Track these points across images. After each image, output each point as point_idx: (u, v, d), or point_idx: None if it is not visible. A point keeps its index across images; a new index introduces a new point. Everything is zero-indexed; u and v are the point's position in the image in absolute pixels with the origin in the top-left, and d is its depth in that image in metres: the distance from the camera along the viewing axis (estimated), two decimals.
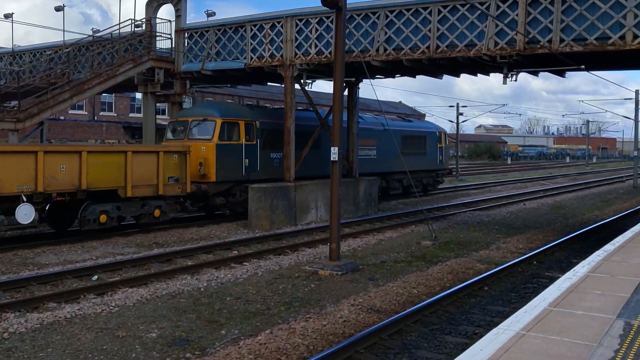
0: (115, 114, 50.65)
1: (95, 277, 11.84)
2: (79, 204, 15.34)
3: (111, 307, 9.69)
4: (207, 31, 21.54)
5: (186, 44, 22.24)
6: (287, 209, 19.05)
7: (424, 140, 30.66)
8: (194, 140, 19.29)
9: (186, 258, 13.76)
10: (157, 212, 16.92)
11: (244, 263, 13.38)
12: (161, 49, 23.07)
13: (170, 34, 22.63)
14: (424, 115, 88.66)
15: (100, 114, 49.53)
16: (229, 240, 16.04)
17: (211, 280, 11.64)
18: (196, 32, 21.94)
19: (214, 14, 24.58)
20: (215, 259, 13.65)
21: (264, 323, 9.03)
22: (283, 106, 20.56)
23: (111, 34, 23.72)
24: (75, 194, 14.99)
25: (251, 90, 54.03)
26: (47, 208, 14.70)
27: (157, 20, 23.06)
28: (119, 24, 23.76)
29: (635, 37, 13.97)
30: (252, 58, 20.27)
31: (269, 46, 19.89)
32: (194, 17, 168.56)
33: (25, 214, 13.81)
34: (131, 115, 51.44)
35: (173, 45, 22.56)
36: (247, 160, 19.98)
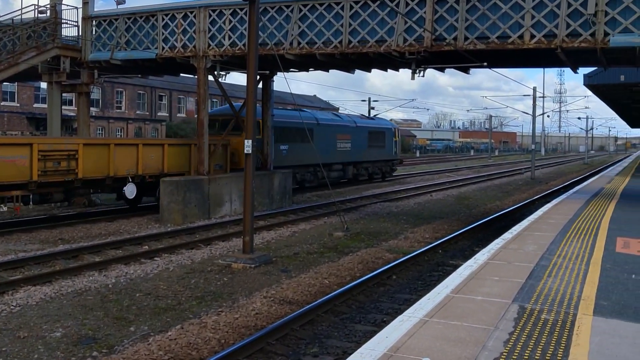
0: (18, 104, 48.01)
1: None
2: (155, 185, 19.20)
3: (12, 307, 9.26)
4: (116, 19, 20.83)
5: (94, 32, 21.38)
6: (201, 203, 18.82)
7: (383, 135, 36.23)
8: (227, 135, 22.92)
9: (94, 254, 13.32)
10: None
11: (155, 258, 13.12)
12: (67, 36, 22.07)
13: (77, 22, 21.72)
14: (337, 109, 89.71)
15: (2, 103, 46.74)
16: (139, 235, 15.66)
17: (120, 277, 11.35)
18: (105, 20, 21.15)
19: (124, 1, 23.76)
20: (124, 254, 13.29)
21: (174, 318, 8.92)
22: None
23: (12, 19, 22.45)
24: (158, 176, 19.14)
25: (164, 82, 52.76)
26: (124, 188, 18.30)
27: (63, 7, 22.01)
28: (21, 9, 22.58)
29: (532, 36, 14.81)
30: (163, 48, 19.81)
31: (181, 36, 19.52)
32: (102, 4, 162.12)
33: (131, 191, 18.16)
34: (35, 105, 48.92)
35: (80, 33, 21.65)
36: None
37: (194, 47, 19.24)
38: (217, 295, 10.24)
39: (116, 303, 9.66)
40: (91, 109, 53.80)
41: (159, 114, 61.88)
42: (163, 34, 19.82)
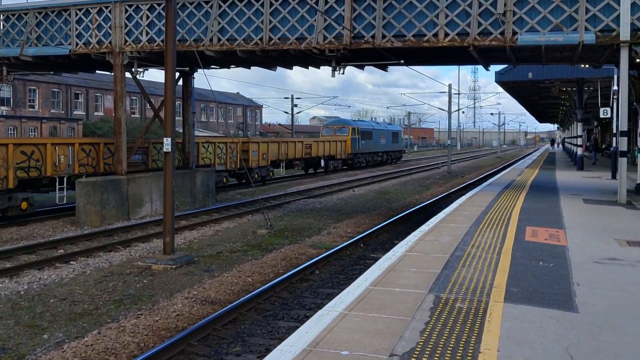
0: None
1: None
2: (318, 160, 39.00)
3: None
4: (26, 14, 19.86)
5: (2, 27, 20.34)
6: (120, 203, 18.28)
7: (397, 135, 58.70)
8: (339, 136, 44.37)
9: (4, 260, 12.67)
10: (339, 166, 42.93)
11: (71, 262, 12.64)
12: None
13: None
14: (261, 107, 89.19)
15: None
16: (54, 238, 15.01)
17: (33, 282, 10.86)
18: (13, 15, 20.14)
19: None
20: (38, 259, 12.73)
21: (91, 323, 8.64)
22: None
23: None
24: (317, 157, 38.59)
25: (80, 79, 50.72)
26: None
27: None
28: None
29: (446, 35, 15.30)
30: (77, 44, 19.08)
31: (96, 32, 18.86)
32: None
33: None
34: None
35: None
36: (357, 145, 45.71)
37: (110, 43, 18.65)
38: (137, 298, 9.99)
39: (28, 310, 9.24)
40: (1, 107, 51.11)
41: (75, 112, 59.51)
42: (77, 29, 19.08)
